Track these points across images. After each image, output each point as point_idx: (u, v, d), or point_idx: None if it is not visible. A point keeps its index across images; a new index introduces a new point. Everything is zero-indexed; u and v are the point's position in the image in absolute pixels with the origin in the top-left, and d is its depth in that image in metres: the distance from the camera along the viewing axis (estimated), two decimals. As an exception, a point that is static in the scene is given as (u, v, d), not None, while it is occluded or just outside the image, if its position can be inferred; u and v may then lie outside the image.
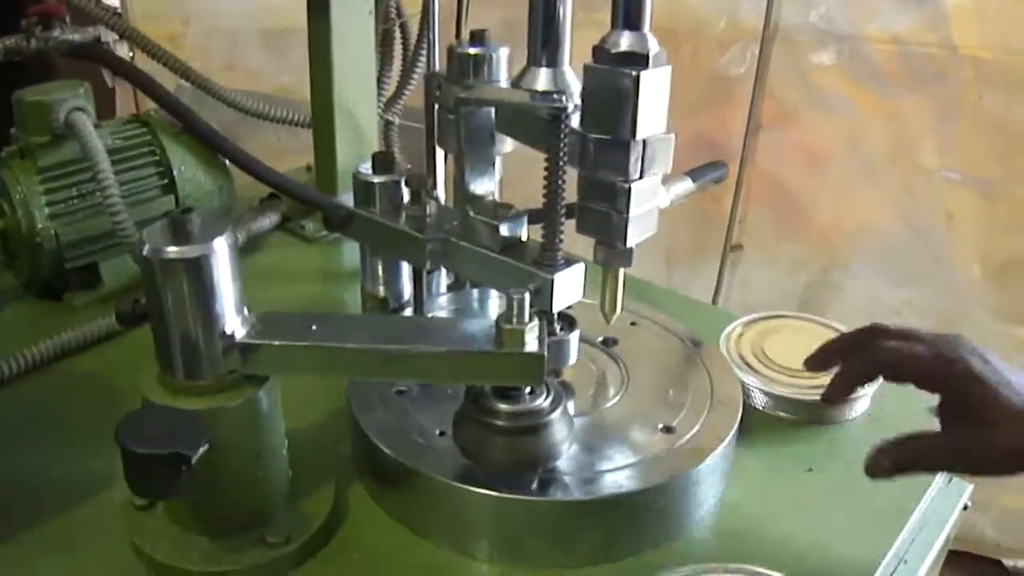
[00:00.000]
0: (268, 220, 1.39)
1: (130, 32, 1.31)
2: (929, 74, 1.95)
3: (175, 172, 1.23)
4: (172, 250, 0.67)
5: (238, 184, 1.38)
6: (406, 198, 0.93)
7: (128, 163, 1.20)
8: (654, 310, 1.03)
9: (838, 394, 0.81)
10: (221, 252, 0.68)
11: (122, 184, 1.17)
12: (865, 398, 0.95)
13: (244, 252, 1.30)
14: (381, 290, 1.01)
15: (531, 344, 0.69)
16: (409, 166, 1.42)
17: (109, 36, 1.35)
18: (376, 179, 0.93)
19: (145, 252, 0.67)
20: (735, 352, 0.99)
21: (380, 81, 1.46)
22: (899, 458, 0.73)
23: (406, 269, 1.01)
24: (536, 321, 0.69)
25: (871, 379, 0.81)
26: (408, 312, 1.01)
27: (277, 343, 0.70)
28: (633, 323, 1.00)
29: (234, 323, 0.70)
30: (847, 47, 2.01)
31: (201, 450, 0.65)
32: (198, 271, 0.67)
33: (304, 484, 0.81)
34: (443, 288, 1.13)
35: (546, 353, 0.69)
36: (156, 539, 0.76)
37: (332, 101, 1.31)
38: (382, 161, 0.93)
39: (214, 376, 0.70)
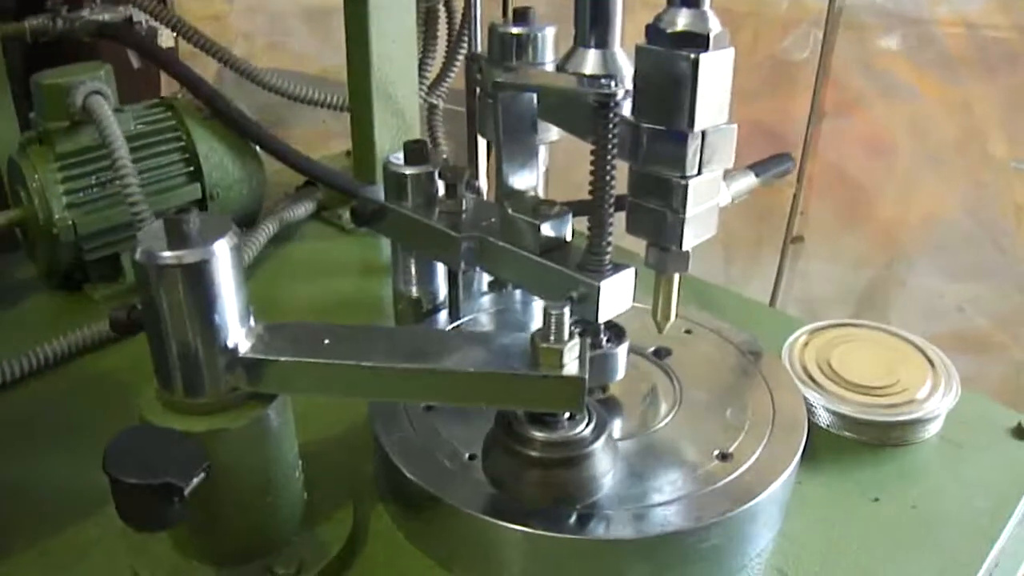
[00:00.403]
0: (303, 208, 1.32)
1: (161, 12, 1.24)
2: (1000, 59, 1.83)
3: (201, 159, 1.17)
4: (167, 255, 0.59)
5: (274, 171, 1.32)
6: (441, 191, 0.85)
7: (151, 149, 1.14)
8: (711, 316, 0.94)
9: None
10: (223, 257, 0.60)
11: (145, 171, 1.12)
12: (938, 418, 0.86)
13: (277, 242, 1.26)
14: (414, 290, 0.94)
15: (571, 366, 0.60)
16: (445, 155, 1.36)
17: (142, 16, 1.29)
18: (408, 170, 0.85)
19: (138, 257, 0.60)
20: (798, 363, 0.90)
21: (423, 62, 1.38)
22: None
23: (441, 268, 0.93)
24: (576, 340, 0.61)
25: None
26: (443, 315, 0.93)
27: (284, 359, 0.62)
28: (688, 331, 0.91)
29: (237, 335, 0.63)
30: (914, 31, 1.89)
31: (196, 480, 0.58)
32: (196, 278, 0.60)
33: (321, 507, 0.73)
34: (484, 287, 1.05)
35: (587, 376, 0.61)
36: (156, 566, 0.69)
37: (370, 82, 1.24)
38: (415, 151, 0.85)
39: (215, 394, 0.63)
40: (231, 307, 0.62)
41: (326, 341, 0.64)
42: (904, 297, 2.02)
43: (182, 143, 1.16)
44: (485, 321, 0.93)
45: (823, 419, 0.86)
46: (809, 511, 0.78)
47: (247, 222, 1.25)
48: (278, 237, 1.27)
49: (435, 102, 1.43)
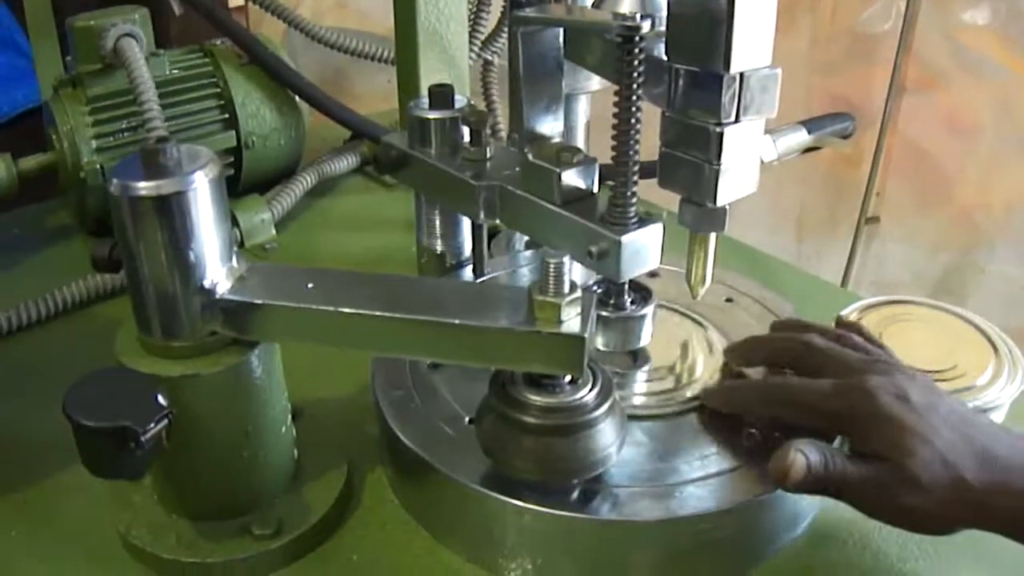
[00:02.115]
0: (344, 162, 1.27)
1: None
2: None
3: (237, 106, 1.13)
4: (142, 186, 0.55)
5: (322, 127, 1.28)
6: (466, 138, 0.80)
7: (186, 95, 1.11)
8: (758, 286, 0.87)
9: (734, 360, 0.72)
10: (201, 189, 0.55)
11: (179, 117, 1.09)
12: (1000, 408, 0.78)
13: (317, 195, 1.23)
14: (438, 244, 0.88)
15: (571, 323, 0.54)
16: (499, 115, 1.29)
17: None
18: (431, 115, 0.80)
19: (112, 189, 0.55)
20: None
21: (477, 15, 1.31)
22: (808, 468, 0.58)
23: (467, 221, 0.87)
24: (578, 293, 0.55)
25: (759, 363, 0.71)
26: (468, 271, 0.87)
27: (261, 302, 0.57)
28: (729, 300, 0.85)
29: (216, 275, 0.58)
30: (1003, 5, 1.78)
31: (155, 426, 0.54)
32: (170, 211, 0.55)
33: (313, 468, 0.69)
34: (521, 245, 1.00)
35: (588, 334, 0.55)
36: (135, 518, 0.65)
37: (416, 28, 1.18)
38: (439, 95, 0.80)
39: (193, 337, 0.58)
40: (209, 244, 0.57)
41: (310, 285, 0.59)
42: (983, 286, 1.91)
43: (218, 89, 1.13)
44: (518, 280, 0.88)
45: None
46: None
47: (286, 173, 1.21)
48: (318, 190, 1.23)
49: (490, 58, 1.37)
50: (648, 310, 0.72)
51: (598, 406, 0.58)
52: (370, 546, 0.66)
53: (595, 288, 0.72)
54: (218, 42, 1.17)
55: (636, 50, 0.60)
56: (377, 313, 0.56)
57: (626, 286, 0.71)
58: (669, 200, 0.70)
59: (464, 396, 0.69)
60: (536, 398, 0.58)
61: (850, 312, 0.86)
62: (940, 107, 1.87)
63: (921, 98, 1.88)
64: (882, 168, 1.94)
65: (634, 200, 0.65)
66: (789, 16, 1.82)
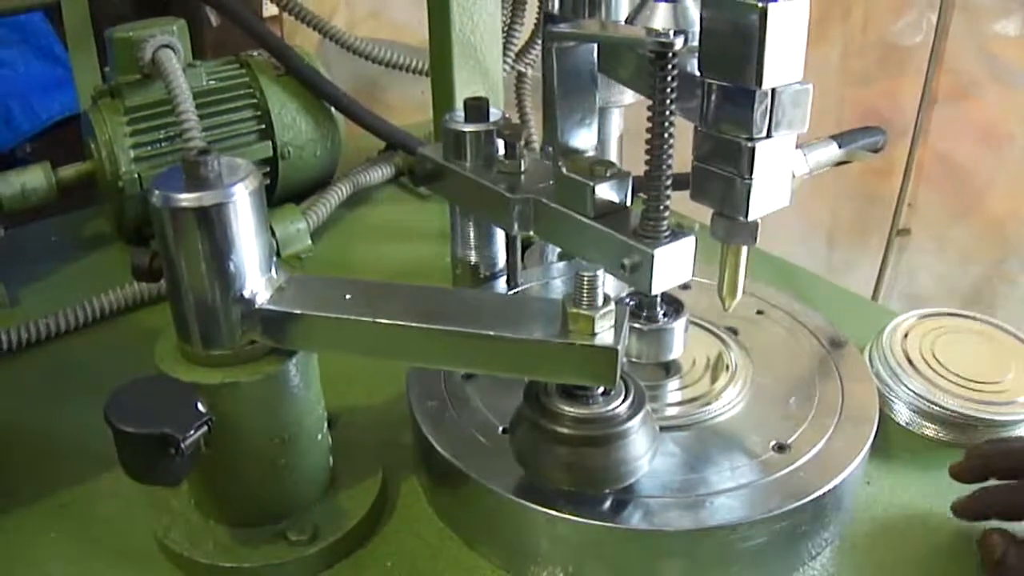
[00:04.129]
0: (379, 172, 1.29)
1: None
2: None
3: (273, 116, 1.14)
4: (183, 197, 0.56)
5: (356, 137, 1.30)
6: (501, 151, 0.81)
7: (223, 105, 1.12)
8: (789, 298, 0.87)
9: (962, 477, 0.70)
10: (241, 201, 0.57)
11: (216, 127, 1.11)
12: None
13: (352, 205, 1.24)
14: (472, 255, 0.89)
15: (604, 335, 0.55)
16: (507, 115, 1.30)
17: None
18: (467, 128, 0.81)
19: (153, 200, 0.57)
20: (898, 350, 0.83)
21: (511, 27, 1.32)
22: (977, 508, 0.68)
23: (501, 233, 0.88)
24: (611, 306, 0.56)
25: (992, 472, 0.70)
26: (501, 282, 0.88)
27: (299, 312, 0.58)
28: (760, 312, 0.85)
29: (256, 285, 0.59)
30: (1034, 16, 1.77)
31: (195, 433, 0.55)
32: (211, 222, 0.56)
33: (348, 476, 0.70)
34: (554, 256, 1.00)
35: (621, 346, 0.55)
36: (172, 522, 0.67)
37: (451, 41, 1.19)
38: (474, 108, 0.81)
39: (231, 346, 0.60)
40: (249, 255, 0.58)
41: (347, 296, 0.60)
42: (1014, 297, 1.90)
43: (254, 100, 1.14)
44: (551, 291, 0.89)
45: (902, 416, 0.79)
46: (876, 515, 0.71)
47: (321, 184, 1.22)
48: (353, 200, 1.24)
49: (523, 70, 1.38)
50: (680, 322, 0.72)
51: (630, 417, 0.59)
52: (404, 553, 0.67)
53: (628, 300, 0.73)
54: (254, 53, 1.19)
55: (669, 66, 0.61)
56: (414, 324, 0.57)
57: (658, 299, 0.72)
58: (698, 212, 0.71)
59: (498, 406, 0.70)
60: (569, 409, 0.59)
61: (904, 320, 0.86)
62: (972, 118, 1.87)
63: (952, 109, 1.87)
64: (913, 179, 1.93)
65: (667, 214, 0.66)
66: (821, 27, 1.82)
